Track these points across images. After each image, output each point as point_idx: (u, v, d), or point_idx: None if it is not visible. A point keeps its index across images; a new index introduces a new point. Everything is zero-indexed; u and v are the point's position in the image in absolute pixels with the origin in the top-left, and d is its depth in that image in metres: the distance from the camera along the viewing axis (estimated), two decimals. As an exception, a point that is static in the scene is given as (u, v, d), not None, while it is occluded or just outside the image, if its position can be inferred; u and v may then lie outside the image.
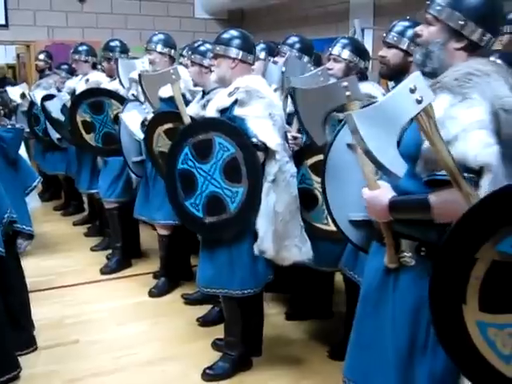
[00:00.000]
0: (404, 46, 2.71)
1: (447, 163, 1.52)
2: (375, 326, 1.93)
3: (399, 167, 1.53)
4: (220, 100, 3.01)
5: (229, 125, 2.83)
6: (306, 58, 3.86)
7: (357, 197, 1.94)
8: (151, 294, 4.24)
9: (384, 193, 1.83)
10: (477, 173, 1.60)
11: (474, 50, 1.78)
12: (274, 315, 3.85)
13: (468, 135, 1.60)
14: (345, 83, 1.91)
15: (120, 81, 4.48)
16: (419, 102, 1.50)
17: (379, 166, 1.54)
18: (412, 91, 1.50)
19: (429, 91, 1.53)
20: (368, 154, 1.52)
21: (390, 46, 2.77)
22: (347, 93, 1.90)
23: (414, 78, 1.54)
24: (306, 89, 2.29)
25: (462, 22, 1.75)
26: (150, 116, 3.79)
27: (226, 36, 3.05)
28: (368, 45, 6.08)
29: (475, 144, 1.59)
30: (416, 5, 1.89)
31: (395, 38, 2.75)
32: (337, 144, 2.38)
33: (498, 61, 3.22)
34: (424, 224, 1.74)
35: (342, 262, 2.95)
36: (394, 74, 2.70)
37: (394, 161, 1.53)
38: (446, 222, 1.60)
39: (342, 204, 2.35)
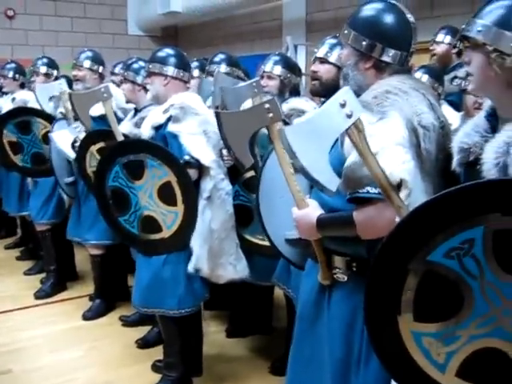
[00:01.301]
0: (334, 61, 2.76)
1: (378, 176, 1.54)
2: (313, 342, 1.94)
3: (333, 182, 1.55)
4: (155, 117, 2.99)
5: (163, 149, 2.80)
6: (234, 71, 3.88)
7: (291, 215, 1.94)
8: (85, 317, 4.11)
9: (312, 211, 1.85)
10: (395, 188, 1.64)
11: (384, 67, 1.83)
12: (214, 333, 3.81)
13: (385, 152, 1.63)
14: (266, 105, 1.92)
15: (41, 106, 4.36)
16: (349, 116, 1.51)
17: (312, 181, 1.54)
18: (342, 106, 1.52)
19: (358, 105, 1.55)
20: (301, 168, 1.52)
21: (322, 61, 2.82)
22: (270, 114, 1.91)
23: (344, 92, 1.56)
24: (229, 112, 2.31)
25: (365, 43, 1.81)
26: (81, 135, 3.71)
27: (160, 54, 3.05)
28: (301, 61, 6.20)
29: (392, 161, 1.62)
30: (345, 22, 1.94)
31: (328, 54, 2.80)
32: (270, 162, 2.40)
33: (425, 76, 3.37)
34: (353, 240, 1.76)
35: (276, 276, 2.95)
36: (326, 90, 2.72)
37: (327, 175, 1.54)
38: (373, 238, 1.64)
39: (277, 222, 2.36)
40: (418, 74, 3.41)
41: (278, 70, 3.31)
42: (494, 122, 1.52)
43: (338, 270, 1.86)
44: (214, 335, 3.79)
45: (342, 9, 6.58)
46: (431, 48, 4.28)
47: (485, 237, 1.24)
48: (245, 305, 3.82)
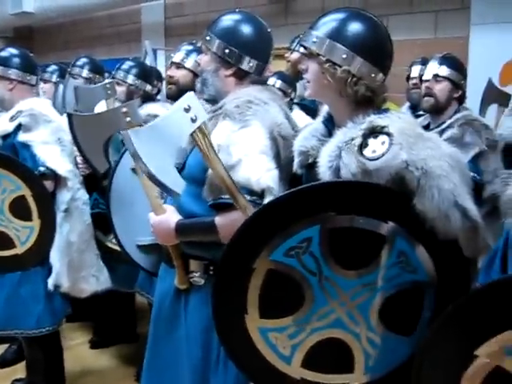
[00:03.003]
0: (190, 66, 2.79)
1: (222, 177, 1.59)
2: (170, 347, 1.94)
3: (179, 185, 1.57)
4: (1, 125, 2.80)
5: (15, 161, 2.61)
6: (97, 78, 3.80)
7: (144, 221, 1.94)
8: None
9: (170, 216, 1.86)
10: (260, 195, 1.70)
11: (243, 76, 1.89)
12: (77, 346, 3.71)
13: (250, 160, 1.70)
14: (124, 109, 1.90)
15: None
16: (194, 120, 1.55)
17: (160, 185, 1.55)
18: (186, 110, 1.55)
19: (202, 110, 1.59)
20: (148, 173, 1.53)
21: (178, 66, 2.83)
22: (127, 118, 1.90)
23: (188, 97, 1.59)
24: (84, 115, 2.24)
25: (228, 51, 1.86)
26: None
27: (2, 55, 2.84)
28: (161, 65, 6.17)
29: (257, 169, 1.70)
30: (204, 27, 1.98)
31: (184, 59, 2.82)
32: (121, 167, 2.37)
33: (278, 82, 3.51)
34: (211, 244, 1.80)
35: (138, 284, 2.94)
36: (183, 94, 2.74)
37: (174, 179, 1.56)
38: None
39: (130, 228, 2.34)
40: (271, 80, 3.54)
41: (130, 78, 3.30)
42: (331, 127, 1.63)
43: (194, 274, 1.89)
44: (78, 348, 3.68)
45: (201, 14, 6.64)
46: (286, 55, 4.44)
47: (321, 235, 1.34)
48: (108, 314, 3.74)
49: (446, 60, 2.87)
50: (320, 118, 1.71)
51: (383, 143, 1.41)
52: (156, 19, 7.48)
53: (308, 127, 1.72)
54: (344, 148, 1.45)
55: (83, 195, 2.80)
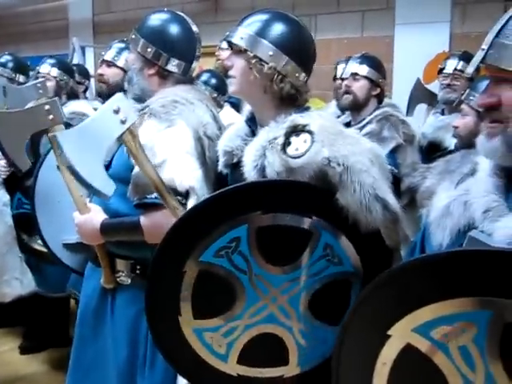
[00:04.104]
0: (122, 65, 2.76)
1: (152, 177, 1.59)
2: (96, 347, 1.93)
3: (108, 186, 1.56)
4: None
5: None
6: (21, 78, 3.68)
7: (70, 220, 1.91)
8: None
9: (95, 216, 1.84)
10: (184, 195, 1.71)
11: (167, 75, 1.90)
12: (6, 352, 3.59)
13: (174, 160, 1.71)
14: (47, 106, 1.87)
15: None
16: (123, 122, 1.54)
17: (87, 186, 1.54)
18: (116, 112, 1.54)
19: (132, 111, 1.59)
20: (75, 174, 1.51)
21: (109, 64, 2.79)
22: (50, 116, 1.86)
23: (117, 99, 1.58)
24: (5, 112, 2.18)
25: (151, 51, 1.87)
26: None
27: None
28: (89, 63, 6.06)
29: (181, 169, 1.70)
30: (134, 24, 1.97)
31: (115, 57, 2.79)
32: (45, 166, 2.33)
33: (211, 80, 3.51)
34: (138, 244, 1.79)
35: (71, 284, 2.87)
36: (114, 92, 2.69)
37: (102, 180, 1.55)
38: None
39: (56, 228, 2.29)
40: (203, 77, 3.55)
41: (55, 71, 3.24)
42: (254, 127, 1.66)
43: (121, 273, 1.88)
44: (7, 354, 3.57)
45: (131, 11, 6.55)
46: (216, 54, 4.45)
47: (249, 234, 1.36)
48: (39, 318, 3.64)
49: (365, 59, 2.95)
50: (243, 118, 1.74)
51: (305, 141, 1.45)
52: (84, 15, 7.32)
53: (232, 127, 1.74)
54: (268, 147, 1.48)
55: (3, 196, 2.73)
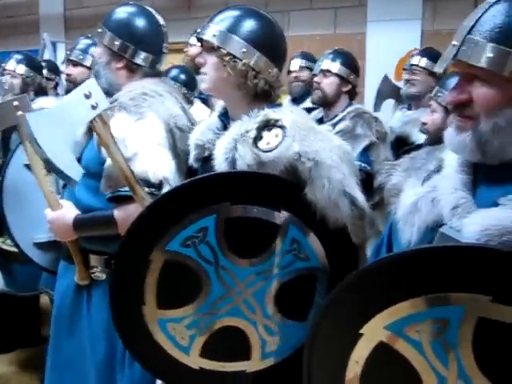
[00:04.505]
0: (89, 64, 2.73)
1: (121, 167, 1.59)
2: (73, 346, 1.91)
3: (76, 171, 1.54)
4: None
5: None
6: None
7: (41, 218, 1.88)
8: None
9: (67, 212, 1.82)
10: (158, 187, 1.70)
11: (135, 69, 1.90)
12: (-25, 352, 3.52)
13: (146, 152, 1.70)
14: (15, 103, 1.85)
15: None
16: (94, 107, 1.54)
17: (56, 171, 1.52)
18: (87, 97, 1.53)
19: (104, 98, 1.58)
20: (43, 157, 1.49)
21: (75, 63, 2.76)
22: (19, 112, 1.84)
23: (89, 84, 1.58)
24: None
25: (118, 44, 1.86)
26: None
27: None
28: (60, 59, 5.96)
29: (154, 160, 1.70)
30: None
31: (80, 56, 2.76)
32: (14, 164, 2.30)
33: (182, 76, 3.49)
34: (112, 238, 1.77)
35: (43, 282, 2.84)
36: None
37: (70, 165, 1.54)
38: None
39: (26, 226, 2.27)
40: (173, 73, 3.53)
41: (22, 68, 3.18)
42: (226, 121, 1.66)
43: (95, 269, 1.86)
44: (-24, 355, 3.50)
45: (103, 6, 6.46)
46: (185, 50, 4.43)
47: (217, 225, 1.36)
48: (8, 318, 3.58)
49: (337, 55, 2.94)
50: (216, 113, 1.73)
51: (277, 136, 1.45)
52: (55, 10, 7.22)
53: (204, 121, 1.74)
54: (239, 140, 1.48)
55: None
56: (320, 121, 2.86)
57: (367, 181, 2.32)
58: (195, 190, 1.37)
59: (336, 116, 2.82)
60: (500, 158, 1.08)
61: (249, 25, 1.56)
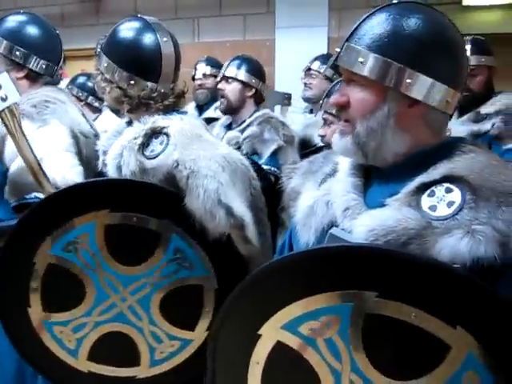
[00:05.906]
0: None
1: (29, 161, 1.55)
2: None
3: None
4: None
5: None
6: None
7: None
8: None
9: None
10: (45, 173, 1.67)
11: (36, 78, 1.89)
12: None
13: (53, 158, 1.68)
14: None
15: None
16: (3, 99, 1.51)
17: None
18: (-3, 89, 1.50)
19: (15, 91, 1.55)
20: None
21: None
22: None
23: (1, 77, 1.54)
24: None
25: (19, 53, 1.85)
26: None
27: None
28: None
29: (61, 166, 1.68)
30: None
31: None
32: None
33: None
34: None
35: None
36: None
37: None
38: None
39: None
40: (80, 80, 3.49)
41: None
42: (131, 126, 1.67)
43: None
44: None
45: (7, 10, 6.24)
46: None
47: (97, 231, 1.38)
48: None
49: (238, 61, 2.96)
50: (124, 120, 1.77)
51: (162, 143, 1.48)
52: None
53: (114, 127, 1.77)
54: (126, 147, 1.50)
55: None
56: (229, 127, 2.89)
57: (276, 184, 2.36)
58: (76, 196, 1.38)
59: (244, 122, 2.85)
60: (380, 158, 1.14)
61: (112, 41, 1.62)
